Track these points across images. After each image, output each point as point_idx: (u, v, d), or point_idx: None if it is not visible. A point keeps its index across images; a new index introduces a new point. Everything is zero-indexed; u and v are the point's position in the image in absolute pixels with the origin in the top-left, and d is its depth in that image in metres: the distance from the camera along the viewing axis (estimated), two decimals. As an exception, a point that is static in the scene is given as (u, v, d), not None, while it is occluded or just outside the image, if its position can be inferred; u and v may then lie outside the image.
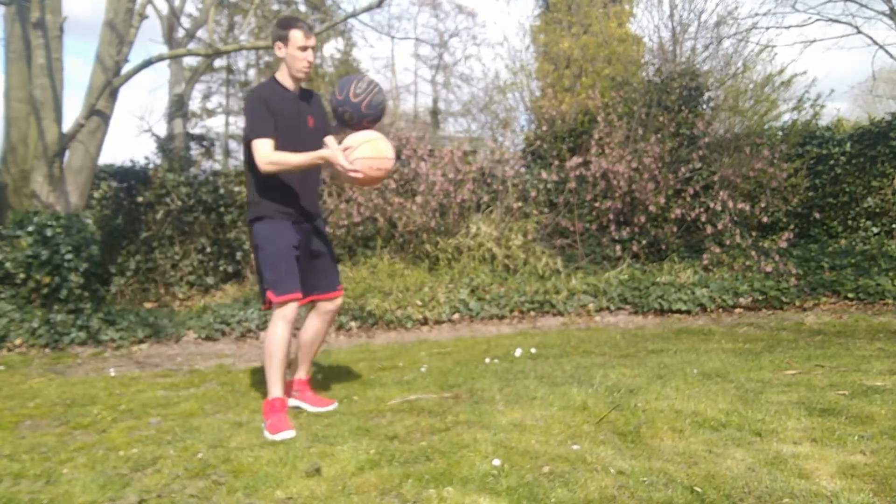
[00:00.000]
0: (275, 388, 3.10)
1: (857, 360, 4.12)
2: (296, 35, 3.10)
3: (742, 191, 8.38)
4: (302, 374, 3.47)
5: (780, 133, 9.47)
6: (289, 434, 2.87)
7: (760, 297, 6.70)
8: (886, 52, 10.17)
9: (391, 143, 3.12)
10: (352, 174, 2.98)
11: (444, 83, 19.05)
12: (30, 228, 6.00)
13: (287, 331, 3.11)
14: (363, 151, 3.00)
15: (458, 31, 24.41)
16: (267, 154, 3.05)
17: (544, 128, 9.03)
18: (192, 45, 11.99)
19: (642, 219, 7.88)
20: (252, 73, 25.48)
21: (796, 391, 3.38)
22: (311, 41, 3.13)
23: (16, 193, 6.73)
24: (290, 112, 3.15)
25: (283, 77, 3.20)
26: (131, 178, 8.12)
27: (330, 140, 3.32)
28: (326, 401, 3.41)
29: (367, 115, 3.10)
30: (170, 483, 2.40)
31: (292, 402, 3.36)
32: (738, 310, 6.67)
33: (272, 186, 3.15)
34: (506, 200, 7.97)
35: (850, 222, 9.31)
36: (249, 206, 3.24)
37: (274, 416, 2.99)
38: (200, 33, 13.14)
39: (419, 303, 6.45)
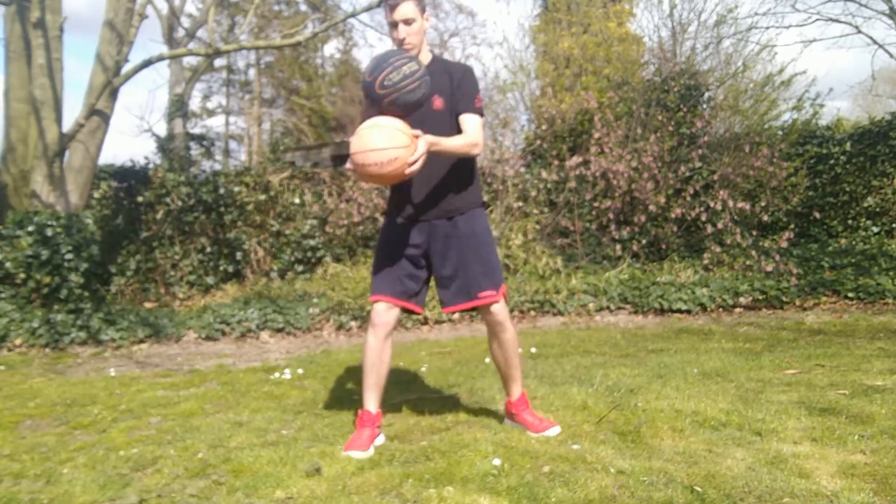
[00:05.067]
0: (365, 399, 2.82)
1: (857, 360, 4.12)
2: (385, 13, 2.78)
3: (742, 190, 8.38)
4: (509, 394, 2.97)
5: (780, 132, 9.48)
6: (358, 454, 2.60)
7: (760, 297, 6.70)
8: (886, 51, 10.15)
9: (389, 132, 2.48)
10: (353, 172, 2.54)
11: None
12: (30, 228, 6.00)
13: (372, 335, 2.78)
14: (352, 144, 2.51)
15: (458, 31, 24.39)
16: None
17: (544, 127, 9.03)
18: (192, 45, 12.01)
19: (642, 218, 7.88)
20: (252, 72, 25.52)
21: (796, 391, 3.38)
22: (396, 15, 2.72)
23: (16, 193, 6.74)
24: None
25: None
26: (131, 177, 8.12)
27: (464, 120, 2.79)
28: (548, 423, 2.85)
29: (387, 109, 2.58)
30: (170, 483, 2.40)
31: (513, 424, 2.94)
32: (738, 309, 6.67)
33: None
34: (506, 200, 7.97)
35: (850, 222, 9.31)
36: None
37: (357, 430, 2.77)
38: (200, 33, 13.17)
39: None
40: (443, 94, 2.80)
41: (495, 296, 2.80)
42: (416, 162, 2.49)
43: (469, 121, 2.78)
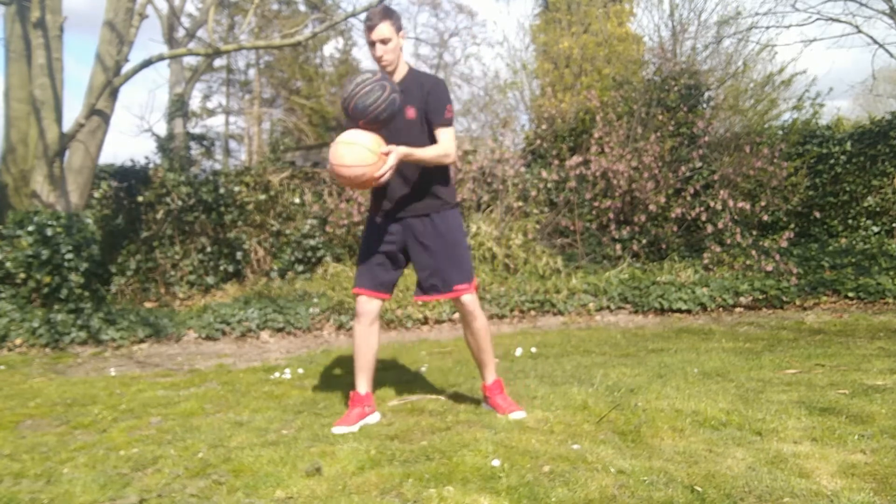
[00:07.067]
0: (356, 382, 3.19)
1: (857, 360, 4.12)
2: (365, 32, 3.06)
3: (742, 190, 8.38)
4: (483, 379, 3.26)
5: (781, 132, 9.48)
6: (343, 429, 2.96)
7: (761, 297, 6.70)
8: (886, 51, 10.15)
9: (356, 149, 2.84)
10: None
11: (443, 83, 19.06)
12: (30, 228, 6.00)
13: (357, 323, 3.18)
14: (329, 153, 2.96)
15: (458, 31, 24.43)
16: None
17: (544, 127, 9.03)
18: (192, 45, 12.00)
19: (642, 218, 7.88)
20: (252, 72, 25.51)
21: (797, 390, 3.38)
22: (374, 35, 3.01)
23: (16, 193, 6.74)
24: None
25: None
26: (131, 177, 8.12)
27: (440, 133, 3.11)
28: (515, 407, 3.12)
29: (357, 117, 2.90)
30: (170, 482, 2.40)
31: (485, 406, 3.24)
32: (738, 309, 6.67)
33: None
34: (506, 200, 7.97)
35: (850, 221, 9.31)
36: None
37: (348, 410, 3.11)
38: (200, 33, 13.15)
39: (419, 302, 6.45)
40: (415, 104, 3.07)
41: (468, 288, 3.13)
42: (384, 174, 2.85)
43: (441, 133, 3.07)
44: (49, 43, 6.52)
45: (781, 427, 2.76)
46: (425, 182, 3.10)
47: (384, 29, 3.00)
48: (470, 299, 3.13)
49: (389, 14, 3.06)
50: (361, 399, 3.12)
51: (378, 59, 3.04)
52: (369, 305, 3.15)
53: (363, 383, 3.15)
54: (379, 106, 2.85)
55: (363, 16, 4.26)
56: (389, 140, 2.96)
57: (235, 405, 3.53)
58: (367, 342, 3.17)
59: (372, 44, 3.03)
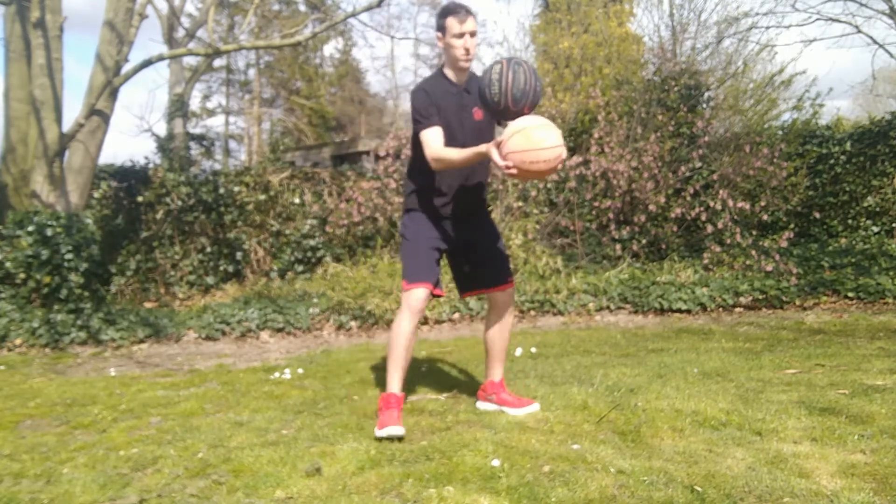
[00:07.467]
0: (391, 383, 2.98)
1: (857, 360, 4.12)
2: (451, 23, 2.95)
3: (742, 190, 8.38)
4: (493, 375, 3.26)
5: (780, 132, 9.48)
6: (395, 431, 2.76)
7: (761, 297, 6.70)
8: (886, 51, 10.15)
9: (554, 129, 2.68)
10: (507, 172, 2.65)
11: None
12: (30, 228, 6.00)
13: (409, 321, 2.99)
14: (515, 143, 2.62)
15: (457, 31, 24.38)
16: (435, 149, 2.92)
17: (544, 127, 9.02)
18: (192, 45, 12.00)
19: (642, 218, 7.88)
20: (252, 72, 25.53)
21: (796, 390, 3.38)
22: (467, 27, 2.94)
23: (16, 193, 6.73)
24: (452, 105, 3.02)
25: (447, 69, 3.08)
26: (131, 177, 8.12)
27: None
28: (527, 401, 3.17)
29: (521, 107, 2.76)
30: (170, 482, 2.40)
31: (488, 406, 3.22)
32: (738, 309, 6.67)
33: (429, 180, 3.07)
34: (506, 200, 7.97)
35: (850, 221, 9.31)
36: (404, 198, 3.23)
37: (385, 412, 2.89)
38: (200, 33, 13.16)
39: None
40: (479, 105, 2.99)
41: (513, 281, 3.29)
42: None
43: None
44: (49, 43, 6.52)
45: (781, 427, 2.76)
46: (485, 180, 3.22)
47: (474, 21, 2.97)
48: (513, 291, 3.29)
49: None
50: (399, 400, 2.95)
51: (466, 52, 2.97)
52: (425, 301, 3.03)
53: (399, 382, 2.98)
54: (529, 81, 2.74)
55: (363, 16, 4.24)
56: (464, 142, 2.95)
57: (235, 405, 3.53)
58: (411, 340, 3.01)
59: (460, 35, 2.95)
